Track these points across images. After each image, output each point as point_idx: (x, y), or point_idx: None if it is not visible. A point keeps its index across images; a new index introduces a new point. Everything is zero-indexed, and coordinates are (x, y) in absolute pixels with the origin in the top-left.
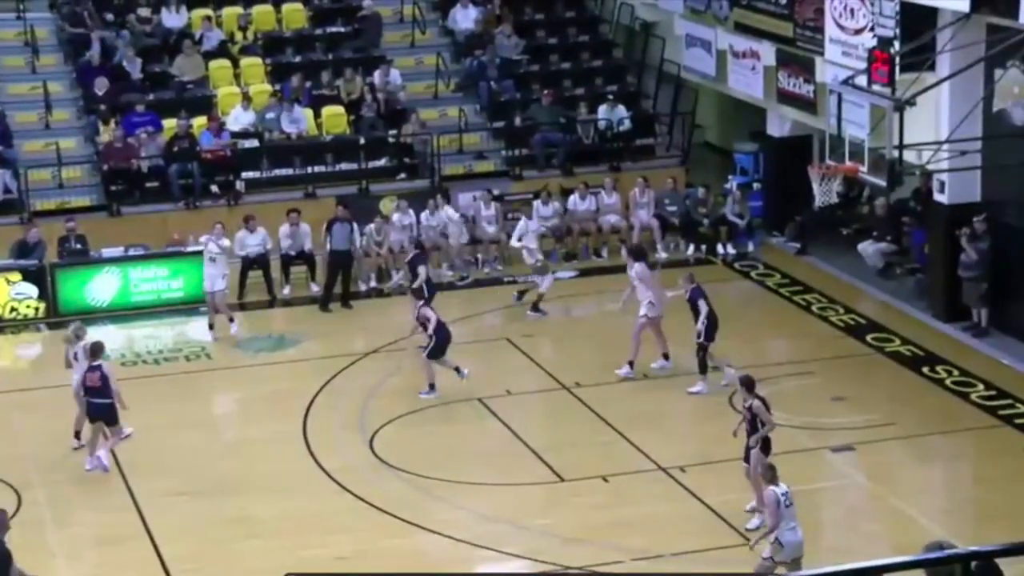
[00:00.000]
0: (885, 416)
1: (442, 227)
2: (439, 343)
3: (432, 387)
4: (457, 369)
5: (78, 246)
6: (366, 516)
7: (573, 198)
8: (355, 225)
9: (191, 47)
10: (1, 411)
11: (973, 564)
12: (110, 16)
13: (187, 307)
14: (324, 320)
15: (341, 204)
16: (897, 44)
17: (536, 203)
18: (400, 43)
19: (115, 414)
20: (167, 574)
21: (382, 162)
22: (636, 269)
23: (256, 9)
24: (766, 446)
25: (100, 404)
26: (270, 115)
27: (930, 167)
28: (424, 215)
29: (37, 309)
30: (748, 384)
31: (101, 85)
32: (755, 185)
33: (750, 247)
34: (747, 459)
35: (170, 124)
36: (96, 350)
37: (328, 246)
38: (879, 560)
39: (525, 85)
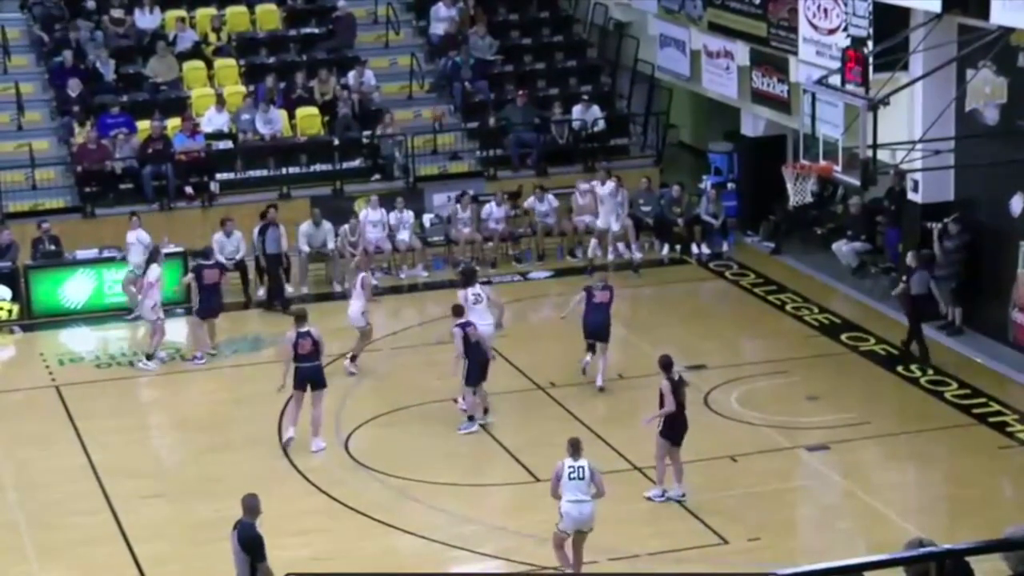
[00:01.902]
0: (860, 415)
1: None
2: (474, 365)
3: (472, 419)
4: (486, 410)
5: (52, 248)
6: (341, 517)
7: (531, 200)
8: (283, 228)
9: (165, 48)
10: None
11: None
12: (87, 9)
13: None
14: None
15: (272, 207)
16: (870, 44)
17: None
18: (374, 44)
19: (323, 377)
20: (142, 575)
21: (356, 163)
22: (463, 294)
23: (230, 10)
24: (674, 433)
25: (310, 368)
26: (244, 116)
27: (904, 166)
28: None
29: (11, 311)
30: (663, 364)
31: (74, 86)
32: (729, 185)
33: (724, 247)
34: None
35: (144, 126)
36: (301, 316)
37: (263, 250)
38: (855, 559)
39: (499, 85)
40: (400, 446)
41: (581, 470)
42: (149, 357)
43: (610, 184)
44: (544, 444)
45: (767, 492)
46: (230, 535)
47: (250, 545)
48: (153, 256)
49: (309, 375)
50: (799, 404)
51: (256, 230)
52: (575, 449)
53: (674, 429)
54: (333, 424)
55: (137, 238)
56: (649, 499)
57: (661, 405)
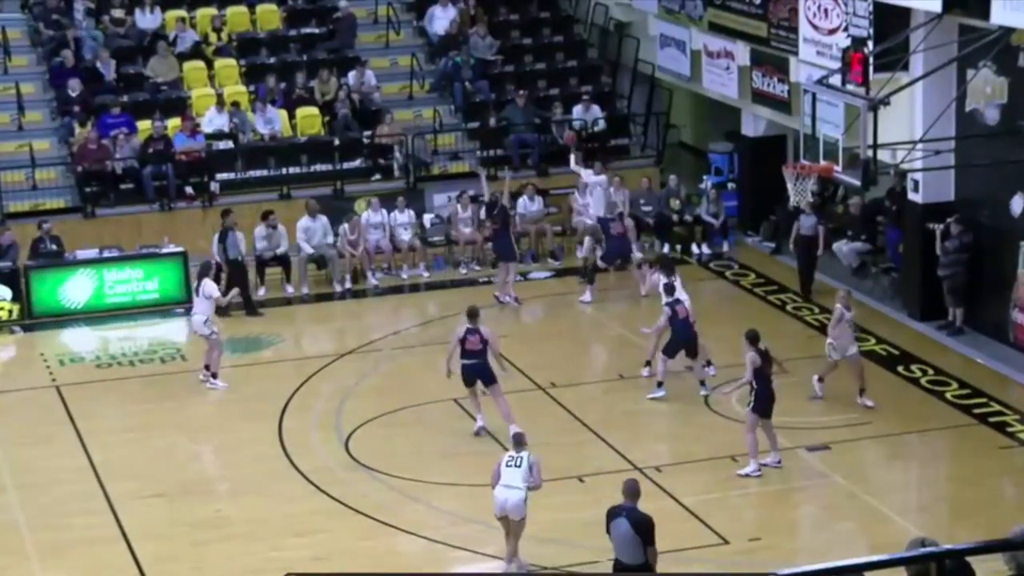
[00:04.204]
0: (860, 415)
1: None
2: (676, 339)
3: (661, 385)
4: (703, 382)
5: (52, 248)
6: (341, 517)
7: (522, 200)
8: (240, 233)
9: (165, 48)
10: None
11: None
12: (88, 11)
13: (162, 308)
14: (300, 321)
15: (228, 212)
16: (871, 44)
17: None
18: (375, 44)
19: (490, 373)
20: (142, 575)
21: (357, 163)
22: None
23: (230, 10)
24: (764, 407)
25: (475, 365)
26: (235, 120)
27: (904, 166)
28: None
29: (11, 311)
30: (750, 337)
31: (75, 86)
32: (730, 185)
33: (725, 247)
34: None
35: (144, 126)
36: (473, 313)
37: (225, 255)
38: (855, 559)
39: (499, 86)
40: (400, 446)
41: (519, 459)
42: (215, 376)
43: (603, 176)
44: (544, 444)
45: (767, 492)
46: (613, 523)
47: (646, 527)
48: (205, 271)
49: (475, 372)
50: (800, 404)
51: (216, 236)
52: (518, 443)
53: (764, 402)
54: (333, 424)
55: None
56: (746, 475)
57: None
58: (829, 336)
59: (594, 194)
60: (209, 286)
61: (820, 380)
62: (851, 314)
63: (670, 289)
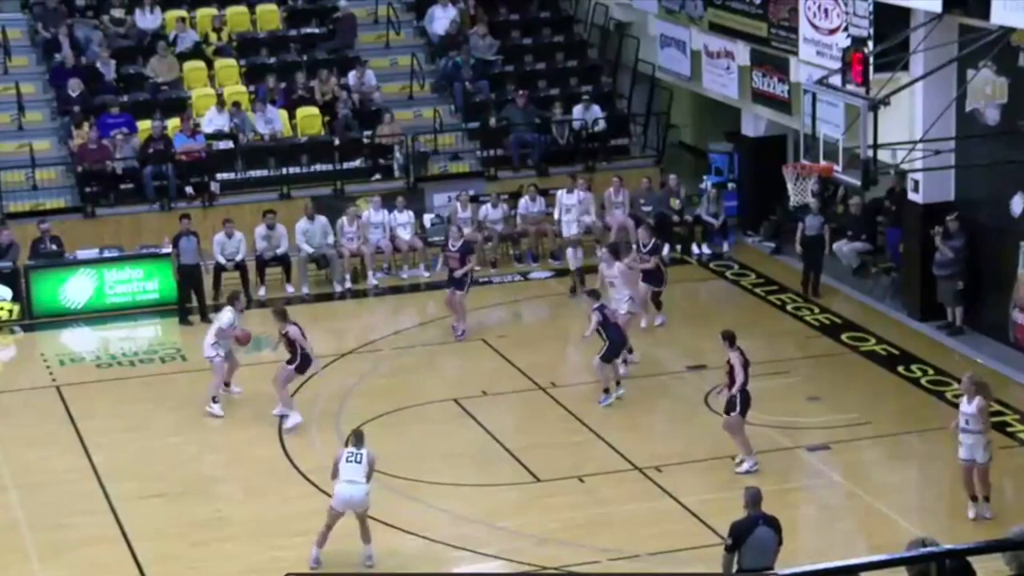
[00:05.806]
0: (860, 415)
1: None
2: (612, 344)
3: (607, 392)
4: (617, 382)
5: (53, 247)
6: (342, 517)
7: (523, 201)
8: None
9: (165, 48)
10: None
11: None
12: (88, 12)
13: (162, 308)
14: (300, 321)
15: (185, 216)
16: (871, 44)
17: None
18: (375, 44)
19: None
20: (142, 575)
21: (357, 163)
22: (617, 267)
23: (230, 10)
24: (741, 407)
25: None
26: (235, 121)
27: (904, 166)
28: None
29: (11, 311)
30: (728, 337)
31: (75, 86)
32: (730, 185)
33: (725, 247)
34: (727, 411)
35: (144, 126)
36: (281, 313)
37: (177, 261)
38: (855, 559)
39: (500, 86)
40: (400, 446)
41: (360, 455)
42: (215, 400)
43: (577, 193)
44: (545, 444)
45: (767, 492)
46: (754, 534)
47: (781, 527)
48: (234, 299)
49: (310, 361)
50: (800, 404)
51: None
52: (358, 439)
53: (745, 403)
54: (334, 425)
55: None
56: (747, 472)
57: (730, 379)
58: (960, 434)
59: (570, 212)
60: (225, 316)
61: (973, 499)
62: (972, 406)
63: (594, 294)
